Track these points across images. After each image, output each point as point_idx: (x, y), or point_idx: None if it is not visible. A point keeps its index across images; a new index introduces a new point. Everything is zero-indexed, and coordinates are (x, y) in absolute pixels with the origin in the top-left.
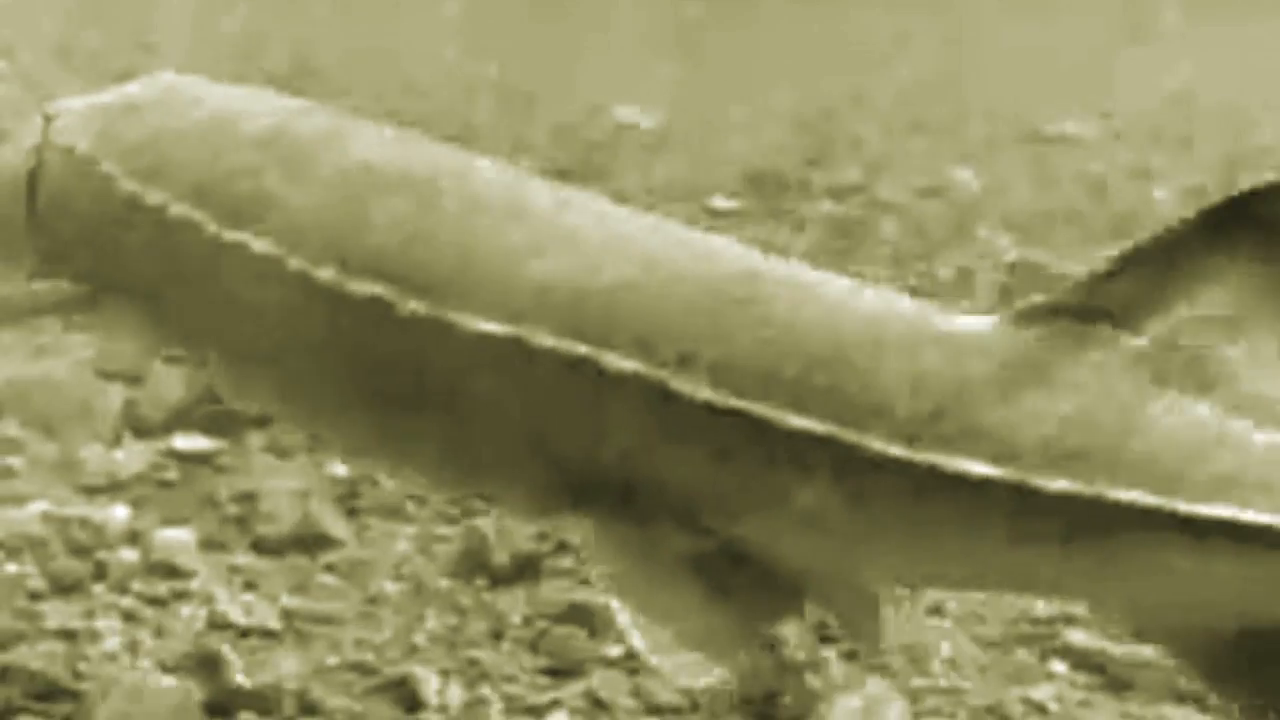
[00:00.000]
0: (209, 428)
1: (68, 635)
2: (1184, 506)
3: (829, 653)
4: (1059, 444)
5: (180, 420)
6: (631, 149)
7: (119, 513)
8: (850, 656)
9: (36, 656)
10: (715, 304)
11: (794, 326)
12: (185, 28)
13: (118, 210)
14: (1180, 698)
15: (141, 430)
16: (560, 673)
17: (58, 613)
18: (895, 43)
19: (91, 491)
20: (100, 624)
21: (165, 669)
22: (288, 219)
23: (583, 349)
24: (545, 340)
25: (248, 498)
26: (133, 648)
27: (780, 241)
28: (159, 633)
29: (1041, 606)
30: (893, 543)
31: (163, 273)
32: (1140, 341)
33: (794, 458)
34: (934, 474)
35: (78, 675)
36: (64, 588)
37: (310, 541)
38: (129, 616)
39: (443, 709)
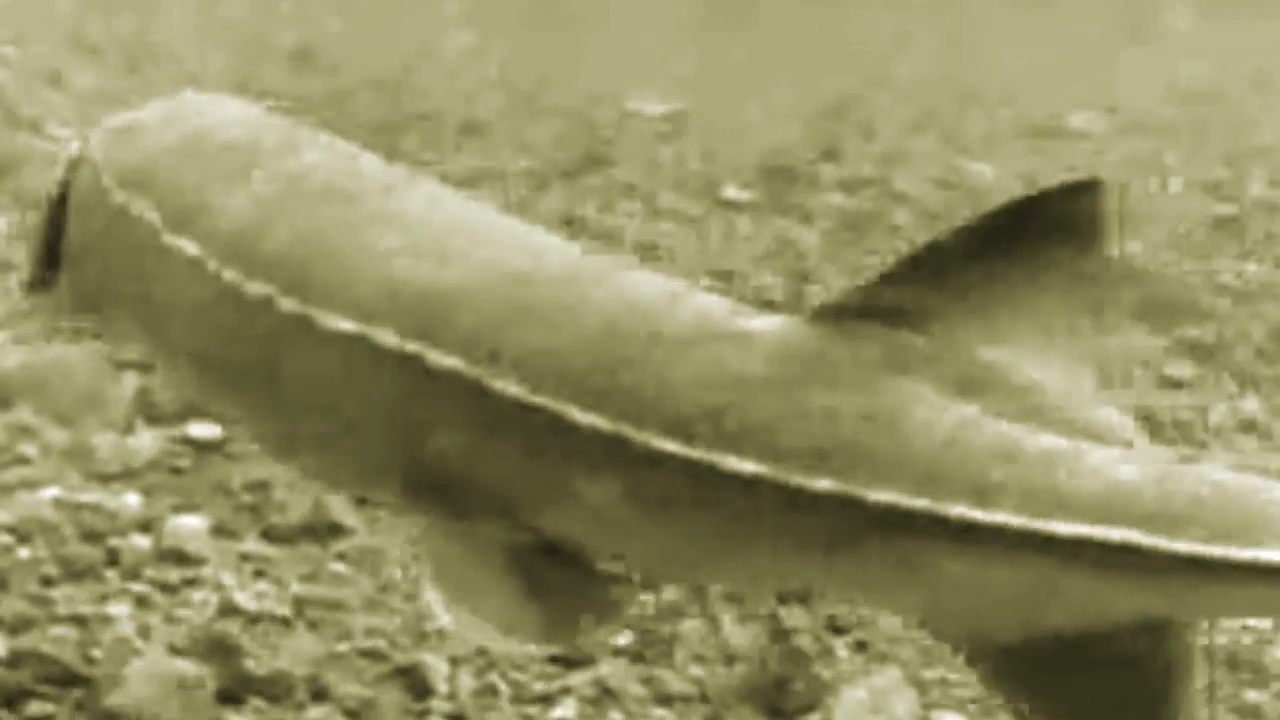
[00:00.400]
0: None
1: (80, 620)
2: (944, 509)
3: (838, 643)
4: (827, 443)
5: (193, 408)
6: (642, 139)
7: (131, 499)
8: (860, 647)
9: (49, 641)
10: (533, 302)
11: (596, 323)
12: (193, 17)
13: (112, 221)
14: None
15: (154, 417)
16: (569, 661)
17: (70, 598)
18: (905, 36)
19: (104, 478)
20: (112, 609)
21: (177, 654)
22: (213, 225)
23: (413, 346)
24: (387, 338)
25: (260, 486)
26: (145, 633)
27: (792, 233)
28: (171, 619)
29: None
30: (676, 541)
31: (136, 279)
32: (924, 342)
33: (586, 454)
34: (708, 471)
35: (90, 660)
36: (76, 573)
37: (321, 529)
38: (141, 602)
39: (452, 696)
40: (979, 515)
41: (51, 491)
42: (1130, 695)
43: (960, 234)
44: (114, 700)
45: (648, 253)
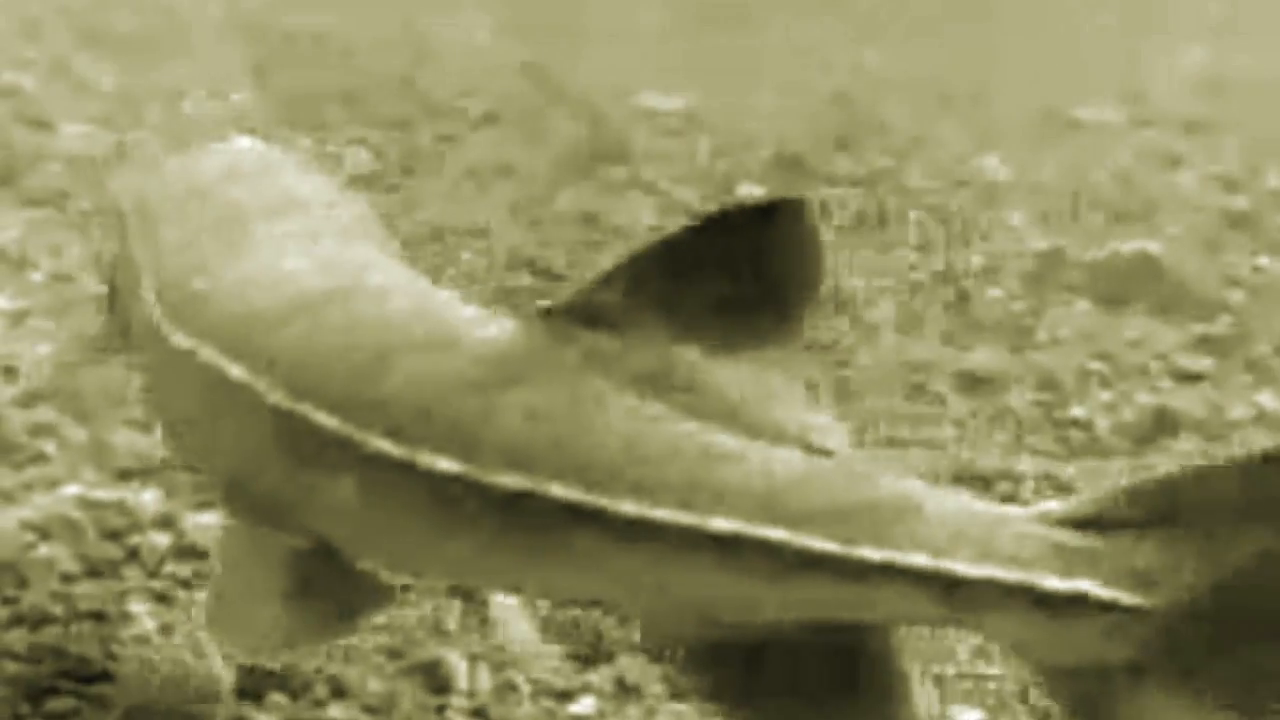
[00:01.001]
0: None
1: (100, 617)
2: (614, 505)
3: None
4: (521, 441)
5: None
6: (656, 135)
7: (150, 497)
8: None
9: (69, 638)
10: (310, 315)
11: (351, 333)
12: (208, 11)
13: (121, 258)
14: None
15: None
16: (589, 658)
17: (90, 595)
18: (918, 28)
19: (123, 475)
20: (132, 606)
21: (197, 651)
22: (154, 257)
23: (219, 360)
24: (207, 354)
25: None
26: (164, 630)
27: None
28: (191, 615)
29: None
30: (403, 540)
31: (130, 310)
32: (623, 345)
33: (331, 457)
34: (417, 471)
35: (110, 657)
36: (96, 570)
37: None
38: (161, 599)
39: (471, 693)
40: (644, 512)
41: (72, 489)
42: (831, 696)
43: (664, 242)
44: (134, 697)
45: None
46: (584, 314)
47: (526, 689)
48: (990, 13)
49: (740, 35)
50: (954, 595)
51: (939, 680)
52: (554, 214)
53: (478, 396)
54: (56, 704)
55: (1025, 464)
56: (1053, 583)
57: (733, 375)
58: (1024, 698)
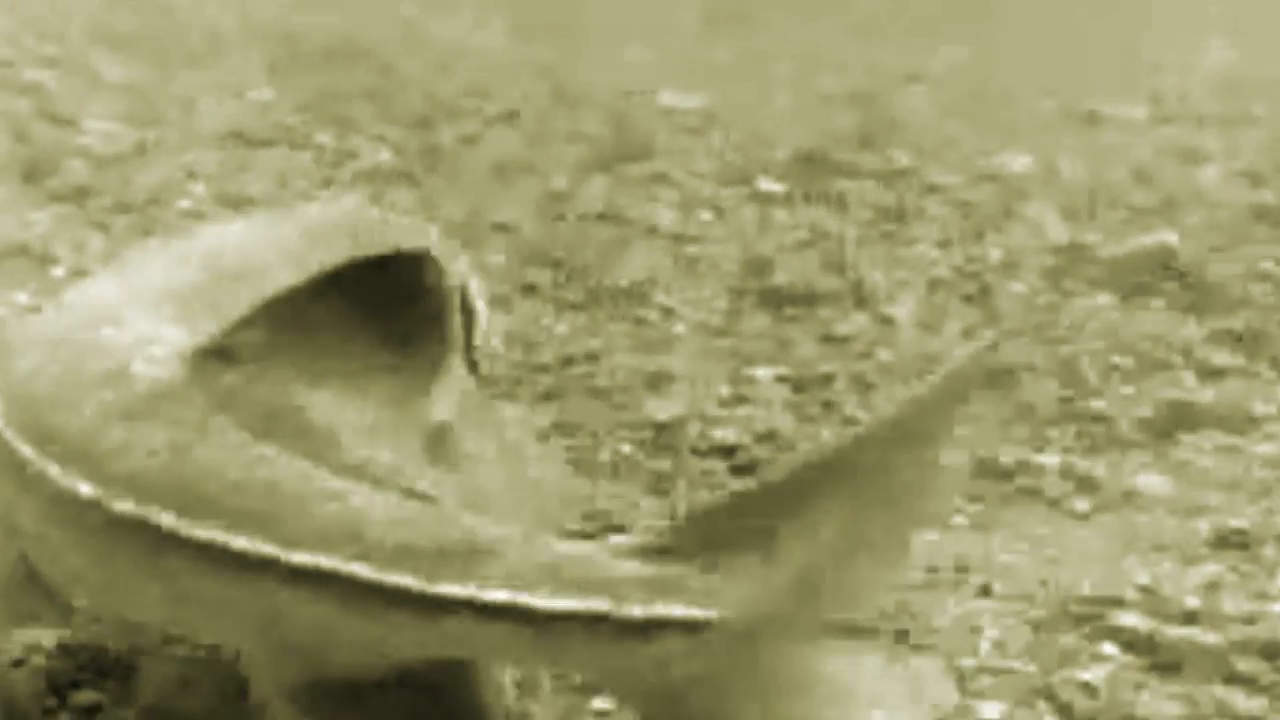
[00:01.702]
0: None
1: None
2: (199, 533)
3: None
4: (140, 470)
5: None
6: (677, 132)
7: None
8: (899, 637)
9: (95, 634)
10: (31, 354)
11: (53, 364)
12: (228, 12)
13: None
14: (1231, 679)
15: None
16: None
17: None
18: (938, 23)
19: None
20: None
21: (219, 647)
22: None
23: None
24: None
25: None
26: None
27: (828, 225)
28: None
29: (1089, 588)
30: (63, 561)
31: None
32: (254, 385)
33: (20, 480)
34: (68, 495)
35: (134, 653)
36: None
37: None
38: None
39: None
40: (221, 539)
41: None
42: None
43: (298, 288)
44: (159, 691)
45: (684, 243)
46: (225, 354)
47: (548, 684)
48: (1003, 8)
49: (748, 33)
50: (537, 629)
51: (961, 674)
52: (576, 210)
53: (123, 428)
54: (81, 697)
55: (1046, 458)
56: (631, 610)
57: (350, 418)
58: (1046, 693)
